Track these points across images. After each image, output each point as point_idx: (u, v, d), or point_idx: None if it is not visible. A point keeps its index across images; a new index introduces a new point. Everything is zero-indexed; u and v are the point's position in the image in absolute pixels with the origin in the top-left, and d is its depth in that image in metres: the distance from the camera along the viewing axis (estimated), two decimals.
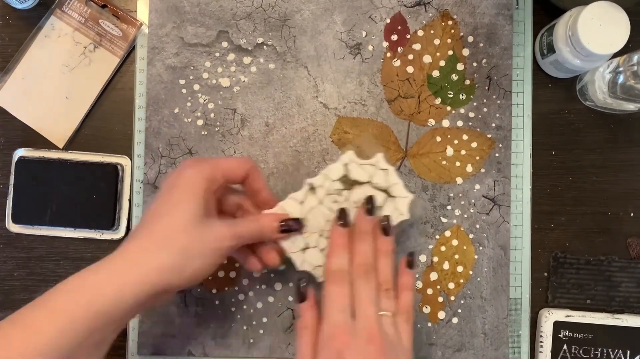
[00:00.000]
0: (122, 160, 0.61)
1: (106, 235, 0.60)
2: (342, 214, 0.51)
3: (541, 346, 0.59)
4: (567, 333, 0.60)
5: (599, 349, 0.59)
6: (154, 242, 0.46)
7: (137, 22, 0.61)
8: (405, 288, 0.50)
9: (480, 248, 0.60)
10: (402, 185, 0.53)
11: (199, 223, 0.47)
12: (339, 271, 0.49)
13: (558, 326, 0.60)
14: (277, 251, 0.53)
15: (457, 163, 0.60)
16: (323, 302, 0.48)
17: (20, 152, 0.61)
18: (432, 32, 0.61)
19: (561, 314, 0.60)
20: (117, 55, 0.61)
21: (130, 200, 0.60)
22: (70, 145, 0.62)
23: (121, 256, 0.46)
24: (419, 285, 0.60)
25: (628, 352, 0.59)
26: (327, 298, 0.48)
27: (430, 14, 0.61)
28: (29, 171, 0.60)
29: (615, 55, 0.55)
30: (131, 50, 0.62)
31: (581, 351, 0.59)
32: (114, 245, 0.61)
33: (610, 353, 0.59)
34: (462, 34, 0.61)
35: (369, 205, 0.51)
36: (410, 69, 0.61)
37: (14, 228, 0.61)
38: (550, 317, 0.60)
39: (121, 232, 0.61)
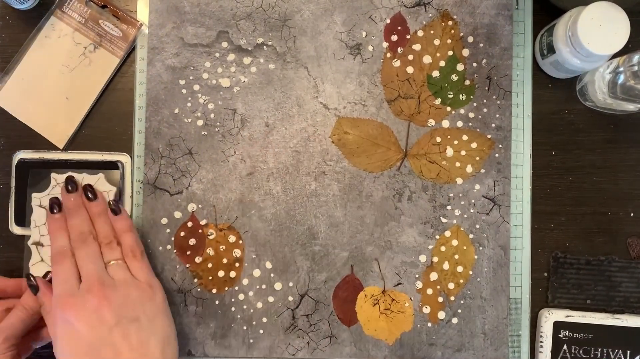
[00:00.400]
0: (122, 157, 0.61)
1: None
2: (52, 204, 0.56)
3: (541, 346, 0.59)
4: (567, 333, 0.60)
5: (599, 350, 0.59)
6: None
7: (137, 23, 0.61)
8: (123, 232, 0.55)
9: (480, 248, 0.60)
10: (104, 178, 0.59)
11: None
12: (59, 252, 0.53)
13: (558, 326, 0.60)
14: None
15: (457, 164, 0.60)
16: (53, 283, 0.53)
17: (20, 154, 0.61)
18: (432, 32, 0.61)
19: (561, 315, 0.60)
20: (117, 56, 0.61)
21: (132, 197, 0.60)
22: (70, 145, 0.62)
23: None
24: (419, 285, 0.60)
25: (628, 352, 0.59)
26: (53, 277, 0.53)
27: (430, 14, 0.61)
28: (30, 172, 0.60)
29: (615, 55, 0.55)
30: (131, 50, 0.62)
31: (581, 351, 0.59)
32: None
33: (610, 353, 0.59)
34: (462, 34, 0.61)
35: (69, 184, 0.56)
36: (410, 69, 0.61)
37: (17, 230, 0.61)
38: (550, 317, 0.60)
39: None
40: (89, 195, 0.56)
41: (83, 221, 0.55)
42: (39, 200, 0.59)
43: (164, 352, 0.51)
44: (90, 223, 0.55)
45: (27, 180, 0.60)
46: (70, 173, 0.58)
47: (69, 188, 0.56)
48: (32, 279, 0.55)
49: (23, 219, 0.60)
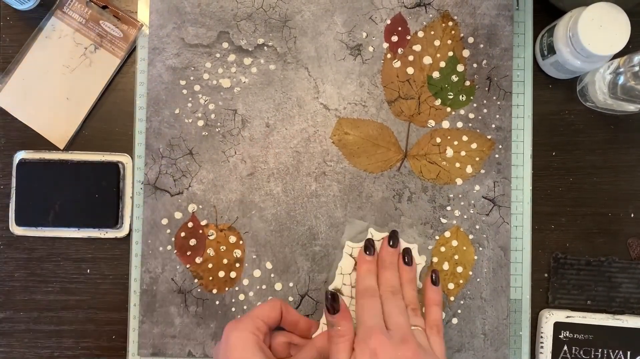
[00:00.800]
0: (122, 158, 0.61)
1: (110, 234, 0.61)
2: (368, 245, 0.56)
3: (541, 347, 0.60)
4: (567, 334, 0.60)
5: (599, 350, 0.59)
6: None
7: (137, 23, 0.61)
8: (433, 303, 0.55)
9: (480, 248, 0.60)
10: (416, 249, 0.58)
11: None
12: (368, 289, 0.53)
13: (558, 327, 0.60)
14: None
15: (457, 164, 0.60)
16: (357, 314, 0.52)
17: (21, 155, 0.61)
18: (432, 33, 0.61)
19: (561, 315, 0.60)
20: (118, 56, 0.61)
21: (132, 198, 0.61)
22: (71, 146, 0.62)
23: None
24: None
25: (628, 353, 0.59)
26: (359, 309, 0.52)
27: (431, 15, 0.61)
28: (30, 173, 0.60)
29: (616, 56, 0.55)
30: (132, 51, 0.62)
31: (581, 352, 0.59)
32: (117, 243, 0.61)
33: (611, 353, 0.59)
34: (462, 35, 0.61)
35: (392, 239, 0.56)
36: (410, 70, 0.61)
37: (18, 230, 0.61)
38: (550, 318, 0.60)
39: (125, 230, 0.61)
40: (406, 259, 0.56)
41: (395, 277, 0.55)
42: (351, 249, 0.58)
43: None
44: (399, 285, 0.54)
45: (32, 179, 0.60)
46: (394, 229, 0.58)
47: (392, 243, 0.56)
48: (334, 298, 0.51)
49: (24, 219, 0.60)
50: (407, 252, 0.56)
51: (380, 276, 0.55)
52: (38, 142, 0.61)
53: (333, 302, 0.51)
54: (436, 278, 0.56)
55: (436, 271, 0.56)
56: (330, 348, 0.51)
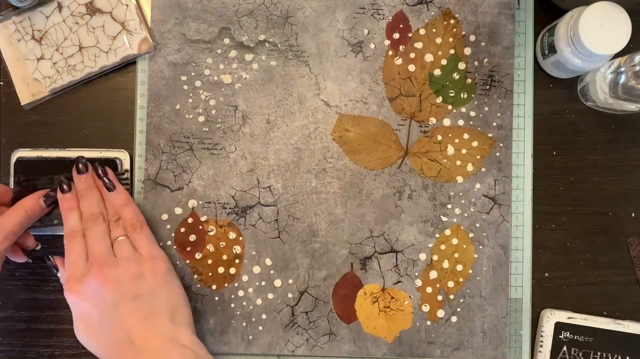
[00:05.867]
0: (120, 154, 0.61)
1: None
2: (62, 184, 0.56)
3: (541, 346, 0.59)
4: (567, 335, 0.59)
5: (598, 353, 0.59)
6: None
7: (151, 43, 0.61)
8: (122, 206, 0.56)
9: (480, 247, 0.60)
10: (138, 22, 0.59)
11: None
12: (70, 232, 0.55)
13: (559, 327, 0.59)
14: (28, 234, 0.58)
15: (458, 162, 0.60)
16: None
17: (19, 153, 0.61)
18: (434, 30, 0.61)
19: (563, 316, 0.59)
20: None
21: (130, 193, 0.60)
22: (72, 145, 0.61)
23: None
24: (419, 283, 0.60)
25: (627, 358, 0.59)
26: (65, 258, 0.54)
27: (433, 13, 0.61)
28: (28, 171, 0.60)
29: (617, 55, 0.55)
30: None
31: (580, 354, 0.59)
32: None
33: (610, 357, 0.59)
34: (464, 32, 0.61)
35: (80, 165, 0.57)
36: (411, 68, 0.61)
37: None
38: (552, 318, 0.59)
39: None
40: (99, 172, 0.57)
41: (94, 202, 0.56)
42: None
43: (174, 319, 0.52)
44: (102, 203, 0.56)
45: (31, 177, 0.60)
46: (80, 154, 0.59)
47: (80, 168, 0.57)
48: (50, 259, 0.56)
49: None
50: (96, 167, 0.57)
51: (81, 207, 0.56)
52: (34, 139, 0.61)
53: (50, 264, 0.56)
54: (109, 184, 0.57)
55: (108, 178, 0.57)
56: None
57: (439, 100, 0.60)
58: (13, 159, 0.60)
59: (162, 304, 0.53)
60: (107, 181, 0.57)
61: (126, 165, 0.60)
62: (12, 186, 0.58)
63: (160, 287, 0.53)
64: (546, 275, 0.61)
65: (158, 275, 0.54)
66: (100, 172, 0.57)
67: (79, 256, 0.54)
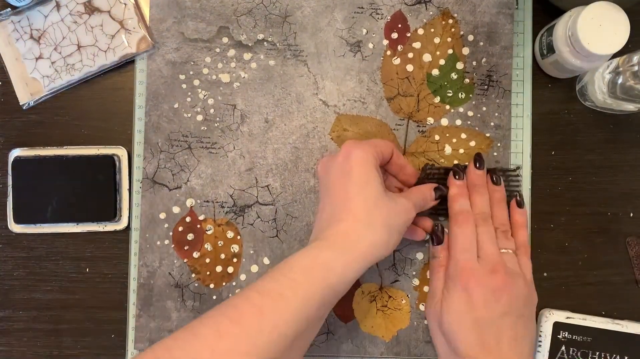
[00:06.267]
0: (117, 151, 0.61)
1: (109, 227, 0.61)
2: (457, 170, 0.57)
3: (539, 346, 0.59)
4: (566, 335, 0.59)
5: (597, 353, 0.59)
6: (359, 221, 0.50)
7: (150, 42, 0.61)
8: (520, 226, 0.57)
9: None
10: (136, 21, 0.59)
11: (387, 198, 0.51)
12: (462, 212, 0.55)
13: (558, 327, 0.59)
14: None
15: (456, 162, 0.60)
16: (450, 242, 0.56)
17: (16, 152, 0.61)
18: (432, 30, 0.61)
19: (562, 316, 0.59)
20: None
21: (129, 190, 0.60)
22: (69, 144, 0.62)
23: (335, 237, 0.50)
24: (416, 282, 0.60)
25: (625, 358, 0.59)
26: (453, 238, 0.55)
27: (431, 13, 0.61)
28: (26, 170, 0.60)
29: (615, 55, 0.55)
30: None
31: (579, 354, 0.59)
32: (116, 241, 0.61)
33: (608, 357, 0.59)
34: (462, 32, 0.61)
35: (478, 161, 0.57)
36: (410, 67, 0.61)
37: (17, 228, 0.61)
38: (550, 317, 0.59)
39: (123, 222, 0.61)
40: (495, 179, 0.58)
41: (485, 201, 0.56)
42: None
43: (530, 354, 0.54)
44: (489, 208, 0.56)
45: (28, 176, 0.60)
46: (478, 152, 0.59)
47: (477, 164, 0.57)
48: (439, 230, 0.57)
49: (23, 217, 0.60)
50: (494, 172, 0.58)
51: (472, 201, 0.56)
52: (32, 139, 0.62)
53: (438, 233, 0.57)
54: (521, 200, 0.58)
55: (521, 194, 0.58)
56: (430, 275, 0.57)
57: (437, 100, 0.60)
58: (10, 159, 0.60)
59: (532, 334, 0.55)
60: (519, 197, 0.58)
61: (124, 161, 0.60)
62: (420, 173, 0.58)
63: (533, 317, 0.55)
64: (545, 274, 0.61)
65: (534, 304, 0.55)
66: (494, 179, 0.58)
67: (472, 245, 0.54)
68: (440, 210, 0.58)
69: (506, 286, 0.52)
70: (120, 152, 0.61)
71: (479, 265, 0.53)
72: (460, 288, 0.53)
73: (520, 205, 0.58)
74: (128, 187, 0.60)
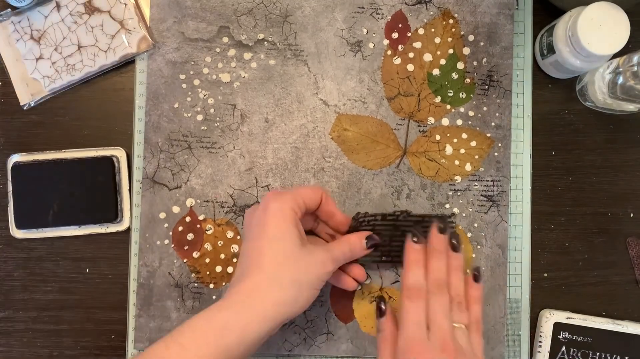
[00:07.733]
0: (116, 152, 0.61)
1: (111, 228, 0.61)
2: (416, 233, 0.53)
3: (540, 346, 0.59)
4: (566, 335, 0.59)
5: (597, 354, 0.59)
6: (265, 279, 0.48)
7: (150, 42, 0.61)
8: (475, 301, 0.53)
9: (478, 247, 0.60)
10: (137, 21, 0.59)
11: (302, 253, 0.49)
12: (414, 287, 0.51)
13: (558, 327, 0.59)
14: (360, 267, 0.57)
15: (456, 162, 0.60)
16: (399, 315, 0.51)
17: (15, 158, 0.61)
18: (432, 30, 0.61)
19: (562, 316, 0.59)
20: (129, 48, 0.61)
21: (130, 191, 0.60)
22: (70, 145, 0.61)
23: (237, 295, 0.48)
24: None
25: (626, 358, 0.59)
26: (403, 312, 0.50)
27: (432, 12, 0.61)
28: (25, 176, 0.60)
29: (615, 55, 0.55)
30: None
31: (579, 354, 0.59)
32: (117, 242, 0.61)
33: (609, 357, 0.59)
34: (462, 32, 0.61)
35: (441, 224, 0.53)
36: (410, 67, 0.61)
37: (19, 233, 0.61)
38: (551, 318, 0.59)
39: (125, 223, 0.61)
40: (455, 243, 0.53)
41: (443, 267, 0.52)
42: None
43: None
44: (447, 275, 0.52)
45: (28, 181, 0.60)
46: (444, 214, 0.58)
47: (441, 228, 0.53)
48: (383, 304, 0.53)
49: (24, 222, 0.60)
50: (454, 237, 0.53)
51: (429, 266, 0.52)
52: (33, 139, 0.62)
53: (381, 305, 0.53)
54: (478, 276, 0.54)
55: (478, 268, 0.55)
56: (377, 349, 0.52)
57: (438, 99, 0.60)
58: (9, 165, 0.60)
59: None
60: (476, 271, 0.54)
61: (123, 162, 0.60)
62: (352, 221, 0.56)
63: None
64: (545, 275, 0.61)
65: None
66: (454, 245, 0.53)
67: (421, 319, 0.50)
68: (395, 255, 0.56)
69: None
70: (119, 153, 0.61)
71: (428, 340, 0.49)
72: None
73: (477, 279, 0.53)
74: (128, 188, 0.60)
